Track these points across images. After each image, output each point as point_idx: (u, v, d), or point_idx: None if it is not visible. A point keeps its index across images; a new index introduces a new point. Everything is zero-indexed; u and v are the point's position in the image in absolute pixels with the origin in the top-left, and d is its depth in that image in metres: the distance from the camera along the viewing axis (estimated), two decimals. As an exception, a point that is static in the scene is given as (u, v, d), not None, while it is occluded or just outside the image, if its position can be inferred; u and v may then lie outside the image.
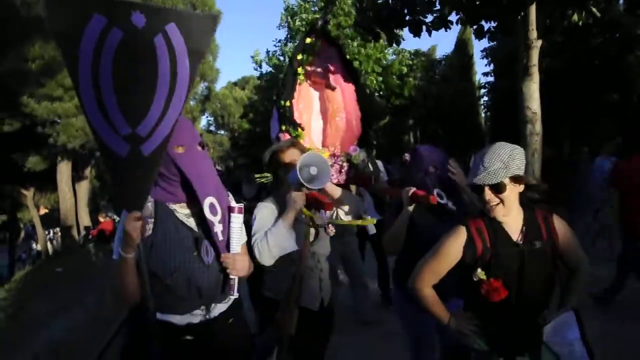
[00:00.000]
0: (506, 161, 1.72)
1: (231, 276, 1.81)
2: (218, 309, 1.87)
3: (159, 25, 1.59)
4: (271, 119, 3.73)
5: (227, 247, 1.82)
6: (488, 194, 1.73)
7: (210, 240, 1.80)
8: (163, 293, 1.75)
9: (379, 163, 5.06)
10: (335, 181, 3.48)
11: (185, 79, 1.67)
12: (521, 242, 1.78)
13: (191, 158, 1.77)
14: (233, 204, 1.83)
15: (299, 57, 3.69)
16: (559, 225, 1.84)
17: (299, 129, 3.58)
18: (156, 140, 1.66)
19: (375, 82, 14.61)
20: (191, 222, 1.82)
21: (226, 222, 1.80)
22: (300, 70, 3.64)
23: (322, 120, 3.83)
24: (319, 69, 3.78)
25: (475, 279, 1.78)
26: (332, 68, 3.77)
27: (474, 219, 1.84)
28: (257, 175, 2.69)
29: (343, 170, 3.60)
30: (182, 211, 1.82)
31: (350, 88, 3.81)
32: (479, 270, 1.77)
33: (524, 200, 1.82)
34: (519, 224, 1.80)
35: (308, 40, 3.74)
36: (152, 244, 1.75)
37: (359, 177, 3.70)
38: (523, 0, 4.80)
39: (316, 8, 15.37)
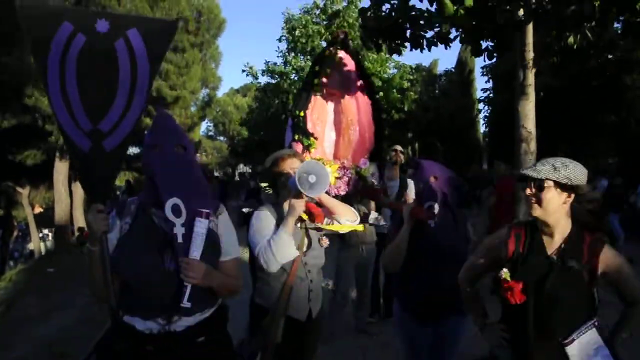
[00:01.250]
0: (557, 166, 1.77)
1: (185, 282, 1.70)
2: (183, 322, 1.77)
3: (121, 30, 1.77)
4: (286, 128, 3.77)
5: (186, 252, 1.73)
6: (529, 189, 1.79)
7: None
8: (129, 294, 1.76)
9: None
10: (343, 193, 3.53)
11: (145, 80, 1.81)
12: (554, 257, 1.80)
13: (163, 158, 1.77)
14: (201, 208, 1.75)
15: (317, 68, 3.74)
16: (609, 256, 1.79)
17: (312, 139, 3.62)
18: (118, 137, 1.79)
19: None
20: (165, 226, 1.78)
21: (190, 226, 1.74)
22: (316, 81, 3.69)
23: (335, 132, 3.88)
24: (336, 81, 3.82)
25: (499, 277, 1.82)
26: (349, 81, 3.81)
27: (518, 225, 1.93)
28: (263, 185, 2.72)
29: (351, 182, 3.64)
30: (160, 215, 1.78)
31: (365, 101, 3.85)
32: (505, 269, 1.81)
33: (577, 218, 1.82)
34: (560, 240, 1.82)
35: (327, 52, 3.79)
36: (124, 243, 1.77)
37: (367, 190, 3.74)
38: (519, 20, 4.88)
39: (318, 20, 15.46)
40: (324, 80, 3.75)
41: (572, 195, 1.79)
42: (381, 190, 4.03)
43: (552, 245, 1.82)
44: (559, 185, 1.76)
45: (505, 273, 1.80)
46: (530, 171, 1.80)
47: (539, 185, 1.77)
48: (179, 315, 1.76)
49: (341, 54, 3.83)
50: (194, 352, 1.79)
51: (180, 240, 1.73)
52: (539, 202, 1.77)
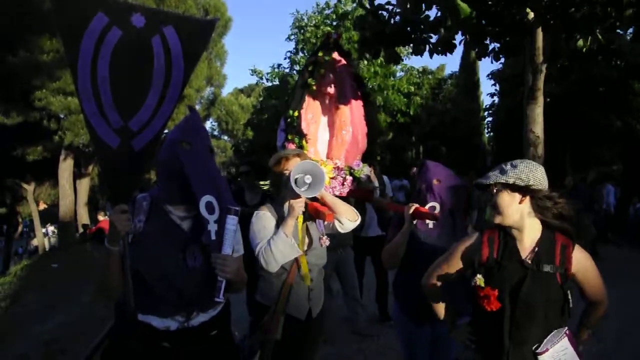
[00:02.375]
0: (505, 169, 1.77)
1: (219, 278, 1.73)
2: (199, 318, 1.81)
3: (157, 27, 1.69)
4: (278, 128, 3.76)
5: (220, 249, 1.76)
6: (492, 199, 1.79)
7: (200, 244, 1.77)
8: (146, 292, 1.74)
9: (385, 178, 5.10)
10: (337, 193, 3.52)
11: (179, 80, 1.76)
12: (529, 261, 1.77)
13: (195, 155, 1.76)
14: (230, 206, 1.78)
15: (310, 68, 3.73)
16: (579, 256, 1.78)
17: (304, 140, 3.61)
18: (147, 136, 1.73)
19: (381, 99, 14.66)
20: (184, 225, 1.80)
21: (222, 223, 1.77)
22: (310, 81, 3.68)
23: (329, 133, 3.86)
24: (329, 82, 3.82)
25: (473, 284, 1.79)
26: (342, 82, 3.81)
27: (491, 229, 1.87)
28: (261, 183, 2.71)
29: (345, 183, 3.63)
30: (177, 213, 1.80)
31: (358, 103, 3.85)
32: (479, 275, 1.78)
33: (543, 219, 1.79)
34: (532, 244, 1.79)
35: (320, 53, 3.79)
36: (140, 241, 1.74)
37: (360, 191, 3.73)
38: (529, 22, 4.86)
39: (328, 21, 15.49)
40: (319, 80, 3.75)
41: (527, 196, 1.76)
42: (375, 191, 4.04)
43: (525, 249, 1.79)
44: (508, 186, 1.75)
45: (479, 279, 1.77)
46: (481, 179, 1.80)
47: (490, 191, 1.78)
48: (198, 311, 1.80)
49: (334, 55, 3.83)
50: (206, 347, 1.82)
51: (213, 237, 1.75)
52: (496, 208, 1.77)
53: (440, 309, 2.09)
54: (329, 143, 3.85)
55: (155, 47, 1.69)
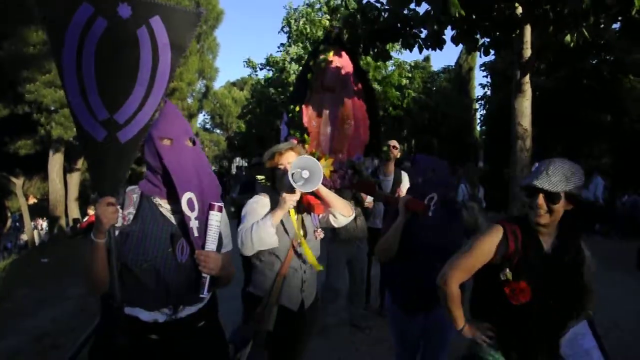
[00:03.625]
0: (568, 176, 1.76)
1: (203, 274, 1.74)
2: (187, 310, 1.82)
3: (144, 17, 1.65)
4: (281, 122, 3.78)
5: (202, 245, 1.77)
6: (541, 200, 1.76)
7: (187, 237, 1.78)
8: (133, 285, 1.74)
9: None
10: (339, 186, 3.55)
11: (166, 72, 1.72)
12: (550, 253, 1.82)
13: (176, 152, 1.76)
14: (214, 202, 1.80)
15: (312, 63, 3.74)
16: (586, 251, 1.90)
17: (305, 135, 3.64)
18: (133, 129, 1.70)
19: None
20: (174, 218, 1.81)
21: (205, 220, 1.77)
22: (310, 76, 3.69)
23: (331, 126, 3.88)
24: (331, 76, 3.83)
25: (502, 278, 1.80)
26: (345, 76, 3.83)
27: (509, 222, 1.88)
28: (259, 177, 2.72)
29: (347, 176, 3.65)
30: (166, 206, 1.81)
31: (360, 97, 3.87)
32: (507, 270, 1.79)
33: (563, 220, 1.85)
34: (552, 237, 1.85)
35: (322, 47, 3.80)
36: (129, 234, 1.74)
37: (362, 184, 3.76)
38: (517, 18, 4.89)
39: (320, 13, 15.44)
40: (320, 74, 3.76)
41: (574, 202, 1.80)
42: (375, 184, 4.06)
43: (547, 242, 1.84)
44: (567, 195, 1.77)
45: (508, 274, 1.79)
46: (545, 183, 1.75)
47: (553, 198, 1.75)
48: (185, 305, 1.80)
49: (336, 49, 3.84)
50: (195, 338, 1.83)
51: (196, 234, 1.76)
52: (550, 212, 1.77)
53: (459, 311, 1.97)
54: (332, 136, 3.88)
55: (142, 38, 1.66)
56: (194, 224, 1.75)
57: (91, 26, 1.59)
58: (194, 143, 1.83)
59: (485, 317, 1.92)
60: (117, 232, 1.73)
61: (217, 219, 1.78)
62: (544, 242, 1.84)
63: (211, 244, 1.77)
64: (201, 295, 1.74)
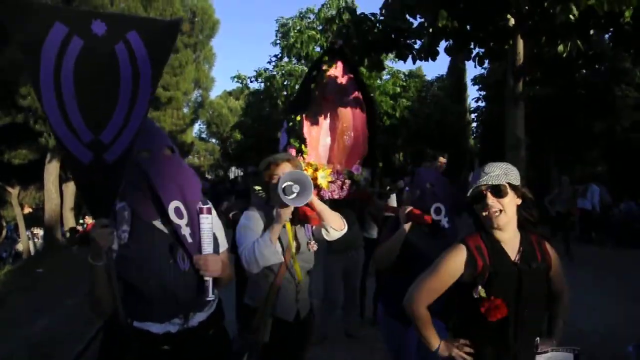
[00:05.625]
0: (505, 169, 1.80)
1: (205, 278, 1.76)
2: (197, 317, 1.83)
3: (120, 33, 1.61)
4: (280, 131, 3.80)
5: (200, 249, 1.77)
6: (490, 199, 1.75)
7: (184, 246, 1.77)
8: (140, 301, 1.73)
9: None
10: (337, 196, 3.56)
11: (147, 87, 1.68)
12: (518, 262, 1.79)
13: (155, 163, 1.74)
14: (201, 205, 1.78)
15: (314, 74, 3.77)
16: (550, 251, 1.88)
17: (303, 146, 3.65)
18: (119, 148, 1.66)
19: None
20: (168, 229, 1.79)
21: (196, 225, 1.77)
22: (313, 86, 3.72)
23: (330, 137, 3.90)
24: (332, 88, 3.86)
25: (475, 296, 1.75)
26: (346, 88, 3.85)
27: (472, 237, 1.83)
28: (257, 188, 2.72)
29: (345, 187, 3.66)
30: (157, 219, 1.78)
31: (361, 108, 3.90)
32: (480, 287, 1.74)
33: (521, 222, 1.84)
34: (516, 245, 1.82)
35: (325, 58, 3.83)
36: (127, 252, 1.72)
37: (359, 194, 3.78)
38: (510, 29, 4.97)
39: (314, 25, 15.52)
40: (321, 86, 3.79)
41: (520, 193, 1.81)
42: (371, 194, 4.08)
43: (512, 251, 1.81)
44: (511, 186, 1.78)
45: (481, 291, 1.74)
46: (487, 179, 1.77)
47: (499, 191, 1.76)
48: (195, 311, 1.81)
49: (338, 61, 3.88)
50: (207, 344, 1.84)
51: (190, 240, 1.76)
52: (502, 209, 1.76)
53: (430, 331, 1.89)
54: (331, 147, 3.89)
55: (120, 54, 1.61)
56: (185, 231, 1.75)
57: (67, 46, 1.54)
58: (172, 151, 1.82)
59: (465, 334, 1.87)
60: (115, 253, 1.70)
61: (209, 221, 1.78)
62: (509, 252, 1.80)
63: (207, 247, 1.77)
64: (207, 298, 1.76)
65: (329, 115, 3.91)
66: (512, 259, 1.79)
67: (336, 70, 3.87)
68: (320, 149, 3.85)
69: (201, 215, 1.76)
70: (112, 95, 1.63)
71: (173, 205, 1.73)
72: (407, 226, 2.53)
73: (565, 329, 1.96)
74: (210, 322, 1.88)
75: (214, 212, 1.91)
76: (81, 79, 1.57)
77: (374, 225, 4.82)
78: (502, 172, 1.78)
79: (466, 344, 1.83)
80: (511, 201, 1.77)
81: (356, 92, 3.92)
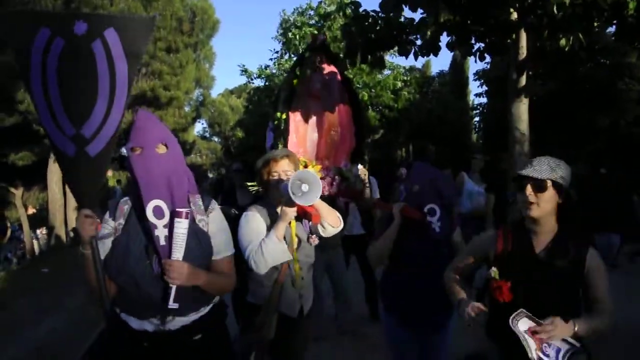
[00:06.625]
0: (553, 167, 1.80)
1: (170, 284, 1.70)
2: (178, 322, 1.79)
3: (98, 31, 1.71)
4: (267, 130, 3.77)
5: (169, 254, 1.73)
6: (529, 190, 1.78)
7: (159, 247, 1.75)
8: (121, 294, 1.78)
9: (372, 180, 5.15)
10: (326, 194, 3.55)
11: (124, 82, 1.77)
12: (542, 256, 1.81)
13: (144, 160, 1.75)
14: (180, 208, 1.74)
15: (297, 70, 3.74)
16: (593, 260, 1.80)
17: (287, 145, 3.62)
18: (101, 142, 1.76)
19: (367, 96, 14.69)
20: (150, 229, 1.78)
21: (172, 228, 1.74)
22: (296, 82, 3.69)
23: (317, 134, 3.88)
24: (317, 83, 3.83)
25: (490, 275, 1.84)
26: (330, 83, 3.83)
27: (506, 226, 1.96)
28: (249, 184, 2.72)
29: (334, 184, 3.65)
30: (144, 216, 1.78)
31: (346, 104, 3.88)
32: (494, 268, 1.83)
33: (562, 221, 1.84)
34: (547, 239, 1.84)
35: (307, 54, 3.80)
36: (115, 245, 1.77)
37: (349, 191, 3.76)
38: (512, 23, 4.93)
39: (313, 21, 15.48)
40: (307, 82, 3.75)
41: (563, 194, 1.82)
42: (360, 191, 4.07)
43: (540, 244, 1.85)
44: (555, 185, 1.78)
45: (494, 272, 1.83)
46: (531, 171, 1.80)
47: (540, 185, 1.78)
48: (171, 315, 1.77)
49: (321, 56, 3.85)
50: (190, 348, 1.81)
51: (162, 242, 1.73)
52: (538, 202, 1.78)
53: (454, 289, 2.06)
54: (318, 144, 3.87)
55: (97, 51, 1.71)
56: (160, 232, 1.73)
57: (50, 47, 1.66)
58: (167, 146, 1.81)
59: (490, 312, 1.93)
60: (107, 243, 1.76)
61: (183, 226, 1.72)
62: (537, 244, 1.84)
63: (177, 253, 1.72)
64: (169, 307, 1.70)
65: (315, 111, 3.88)
66: (536, 250, 1.83)
67: (320, 66, 3.84)
68: (308, 144, 3.82)
69: (176, 219, 1.71)
70: (92, 91, 1.73)
71: (153, 204, 1.72)
72: (400, 221, 2.51)
73: (592, 336, 1.79)
74: (197, 327, 1.83)
75: (219, 213, 1.90)
76: (63, 76, 1.69)
77: (356, 222, 4.81)
78: (548, 169, 1.79)
79: (482, 310, 1.85)
80: (550, 198, 1.79)
81: (340, 87, 3.89)
